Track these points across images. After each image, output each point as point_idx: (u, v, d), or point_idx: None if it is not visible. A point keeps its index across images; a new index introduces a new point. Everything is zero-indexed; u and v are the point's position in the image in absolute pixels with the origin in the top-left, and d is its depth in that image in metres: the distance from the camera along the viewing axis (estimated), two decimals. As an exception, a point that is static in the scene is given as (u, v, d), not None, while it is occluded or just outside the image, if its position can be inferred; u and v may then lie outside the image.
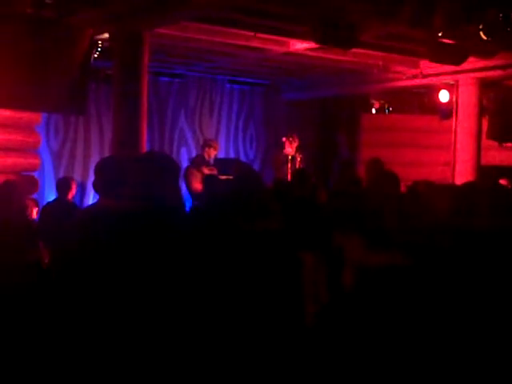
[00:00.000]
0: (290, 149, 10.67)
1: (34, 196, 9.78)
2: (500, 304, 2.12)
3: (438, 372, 2.13)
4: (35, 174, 10.34)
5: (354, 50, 8.48)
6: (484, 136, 11.17)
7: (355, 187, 6.40)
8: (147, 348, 2.47)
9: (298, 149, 10.72)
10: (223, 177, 9.17)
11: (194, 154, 12.37)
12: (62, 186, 8.10)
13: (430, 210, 3.50)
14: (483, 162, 11.00)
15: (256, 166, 13.56)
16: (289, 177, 10.32)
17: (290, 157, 10.65)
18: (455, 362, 2.12)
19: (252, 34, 8.62)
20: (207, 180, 7.75)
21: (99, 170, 3.87)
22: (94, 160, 4.12)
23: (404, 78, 11.55)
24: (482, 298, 2.15)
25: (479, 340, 2.13)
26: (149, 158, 3.18)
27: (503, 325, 2.13)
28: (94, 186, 3.91)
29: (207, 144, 11.08)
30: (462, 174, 10.48)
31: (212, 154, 10.97)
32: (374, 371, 2.13)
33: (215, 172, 10.25)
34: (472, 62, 9.66)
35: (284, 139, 10.81)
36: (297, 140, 10.71)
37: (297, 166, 10.54)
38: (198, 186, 9.69)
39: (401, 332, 2.11)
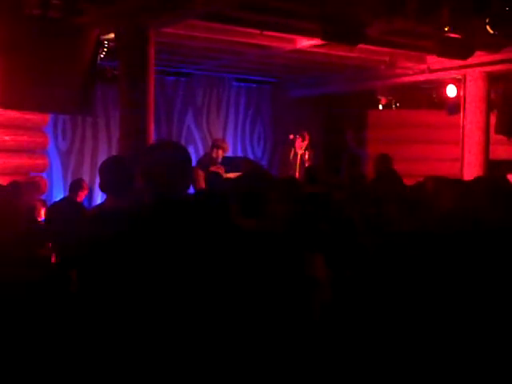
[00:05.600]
0: (300, 147, 10.67)
1: (43, 197, 9.81)
2: (504, 300, 2.12)
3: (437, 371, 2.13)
4: (43, 175, 10.37)
5: (360, 46, 8.47)
6: (492, 130, 11.13)
7: (359, 184, 6.39)
8: (158, 347, 2.48)
9: (307, 147, 10.71)
10: (230, 175, 9.17)
11: (201, 153, 12.37)
12: (74, 186, 8.15)
13: (437, 205, 3.50)
14: (492, 156, 10.96)
15: (263, 164, 13.56)
16: (297, 174, 10.32)
17: (299, 155, 10.65)
18: (453, 359, 2.12)
19: (258, 31, 8.62)
20: (210, 177, 7.74)
21: (104, 170, 3.87)
22: (102, 160, 4.14)
23: (411, 73, 11.53)
24: (485, 293, 2.15)
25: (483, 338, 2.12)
26: (159, 150, 3.07)
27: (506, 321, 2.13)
28: (100, 186, 3.91)
29: (217, 145, 11.02)
30: (471, 169, 10.45)
31: (220, 155, 10.95)
32: (374, 368, 2.13)
33: (222, 170, 10.24)
34: (479, 56, 9.63)
35: (292, 136, 10.79)
36: (307, 138, 10.70)
37: (306, 164, 10.53)
38: (203, 186, 9.67)
39: (404, 328, 2.11)
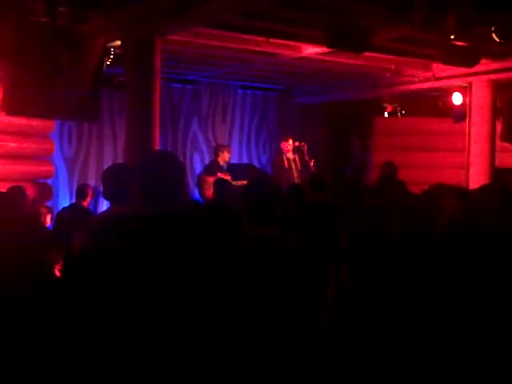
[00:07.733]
0: (287, 151, 10.66)
1: (49, 203, 9.83)
2: (508, 304, 2.12)
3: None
4: (49, 182, 10.40)
5: (366, 53, 8.47)
6: (498, 138, 11.11)
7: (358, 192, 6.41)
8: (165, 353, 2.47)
9: (295, 149, 10.70)
10: (237, 182, 9.18)
11: (207, 160, 12.38)
12: (79, 192, 8.17)
13: (441, 213, 3.49)
14: (497, 164, 10.94)
15: (269, 172, 13.56)
16: (295, 179, 10.32)
17: (291, 160, 10.64)
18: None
19: (264, 39, 8.63)
20: (217, 184, 7.75)
21: (107, 177, 3.87)
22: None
23: (416, 81, 11.53)
24: (491, 297, 2.14)
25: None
26: (150, 162, 3.05)
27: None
28: (103, 193, 3.90)
29: (220, 149, 11.06)
30: (477, 177, 10.43)
31: (226, 157, 10.95)
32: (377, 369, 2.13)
33: (229, 178, 10.25)
34: (485, 64, 9.63)
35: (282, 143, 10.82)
36: (289, 139, 10.71)
37: (299, 168, 10.54)
38: (211, 193, 9.66)
39: (406, 329, 2.11)
